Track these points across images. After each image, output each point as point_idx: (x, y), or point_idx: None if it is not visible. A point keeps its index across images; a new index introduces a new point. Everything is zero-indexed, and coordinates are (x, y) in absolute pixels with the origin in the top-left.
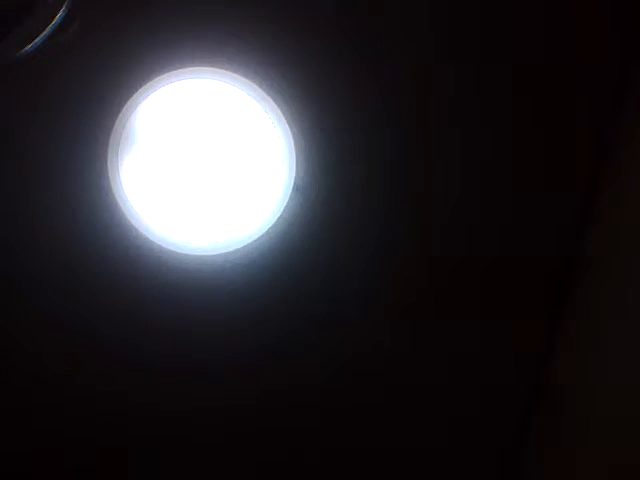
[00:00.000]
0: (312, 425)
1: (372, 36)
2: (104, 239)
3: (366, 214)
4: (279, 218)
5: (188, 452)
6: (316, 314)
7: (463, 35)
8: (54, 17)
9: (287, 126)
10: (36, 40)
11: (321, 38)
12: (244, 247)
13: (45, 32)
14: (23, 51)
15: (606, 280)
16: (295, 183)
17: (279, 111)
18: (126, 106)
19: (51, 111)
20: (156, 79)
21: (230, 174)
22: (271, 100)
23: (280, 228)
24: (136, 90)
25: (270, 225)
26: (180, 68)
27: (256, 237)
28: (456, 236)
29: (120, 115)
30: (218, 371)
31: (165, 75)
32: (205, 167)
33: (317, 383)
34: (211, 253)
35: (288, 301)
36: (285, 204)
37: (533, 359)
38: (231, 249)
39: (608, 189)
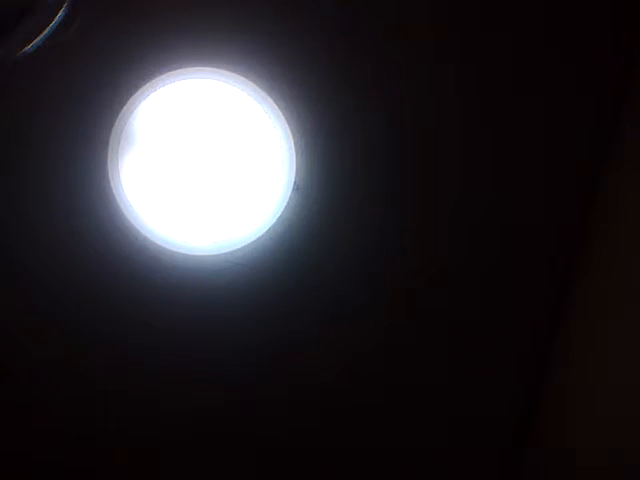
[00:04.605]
0: (312, 425)
1: (372, 36)
2: (104, 239)
3: (366, 214)
4: (279, 218)
5: (188, 452)
6: (316, 314)
7: (463, 35)
8: (54, 17)
9: (287, 126)
10: (36, 40)
11: (321, 38)
12: (244, 247)
13: (45, 32)
14: (23, 51)
15: (606, 280)
16: (295, 183)
17: (279, 111)
18: (126, 106)
19: (51, 111)
20: (156, 79)
21: (230, 174)
22: (271, 100)
23: (280, 228)
24: (136, 90)
25: (270, 225)
26: (180, 68)
27: (256, 237)
28: (456, 236)
29: (120, 115)
30: (218, 371)
31: (165, 75)
32: (205, 167)
33: (317, 383)
34: (211, 253)
35: (288, 301)
36: (285, 204)
37: (533, 359)
38: (231, 249)
39: (608, 189)
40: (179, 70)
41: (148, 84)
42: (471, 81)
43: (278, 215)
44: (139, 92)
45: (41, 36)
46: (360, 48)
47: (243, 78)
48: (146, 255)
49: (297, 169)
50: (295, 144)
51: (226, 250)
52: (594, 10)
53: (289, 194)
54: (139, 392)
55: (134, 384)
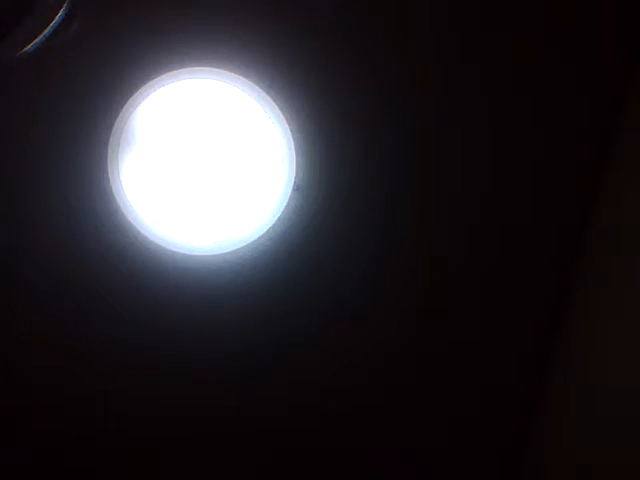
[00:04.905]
0: (312, 425)
1: (372, 36)
2: (104, 239)
3: (366, 214)
4: (279, 218)
5: (188, 452)
6: (316, 314)
7: (463, 35)
8: (54, 17)
9: (287, 126)
10: (36, 40)
11: (321, 38)
12: (244, 247)
13: (45, 32)
14: (23, 51)
15: (606, 280)
16: (295, 183)
17: (279, 111)
18: (126, 106)
19: (51, 111)
20: (156, 79)
21: (230, 174)
22: (271, 100)
23: (280, 228)
24: (136, 90)
25: (270, 225)
26: (180, 68)
27: (256, 237)
28: (456, 236)
29: (120, 115)
30: (218, 371)
31: (165, 75)
32: (205, 167)
33: (317, 383)
34: (211, 253)
35: (288, 301)
36: (285, 204)
37: (533, 359)
38: (231, 249)
39: (608, 189)
40: (179, 70)
41: (148, 84)
42: (471, 81)
43: (278, 215)
44: (139, 92)
45: (41, 36)
46: (360, 48)
47: (243, 78)
48: (146, 255)
49: (297, 169)
50: (295, 144)
51: (226, 250)
52: (594, 10)
53: (289, 194)
54: (139, 392)
55: (134, 384)
